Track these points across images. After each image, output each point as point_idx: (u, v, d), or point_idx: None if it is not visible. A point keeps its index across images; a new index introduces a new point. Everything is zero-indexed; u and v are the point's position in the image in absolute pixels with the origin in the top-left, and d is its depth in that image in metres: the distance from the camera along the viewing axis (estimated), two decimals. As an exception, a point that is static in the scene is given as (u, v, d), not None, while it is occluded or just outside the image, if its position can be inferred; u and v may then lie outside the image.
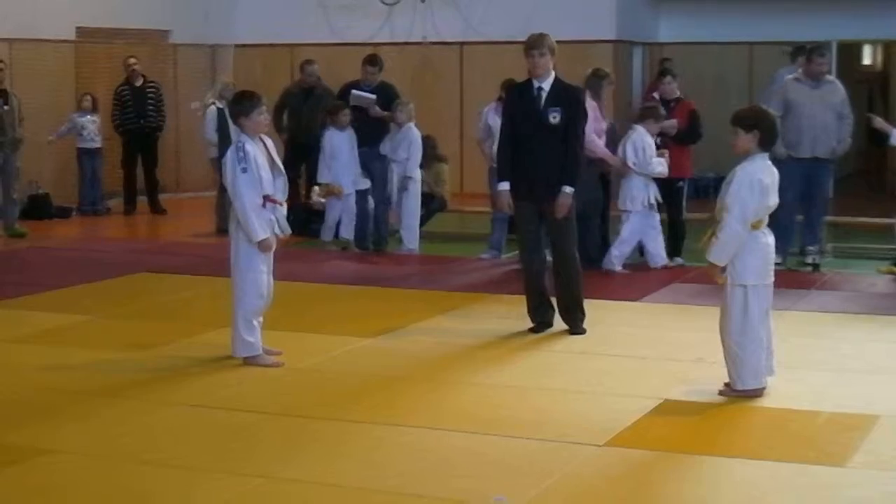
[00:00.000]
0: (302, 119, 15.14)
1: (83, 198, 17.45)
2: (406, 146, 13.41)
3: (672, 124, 12.44)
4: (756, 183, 7.29)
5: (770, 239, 7.47)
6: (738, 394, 7.40)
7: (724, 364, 7.50)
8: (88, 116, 17.29)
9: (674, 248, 12.60)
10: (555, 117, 9.09)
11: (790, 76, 12.60)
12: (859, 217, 14.43)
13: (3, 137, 15.01)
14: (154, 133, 17.66)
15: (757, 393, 7.40)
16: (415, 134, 13.50)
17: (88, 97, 17.40)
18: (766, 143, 7.41)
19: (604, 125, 12.13)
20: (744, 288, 7.36)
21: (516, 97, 9.44)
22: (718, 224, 7.36)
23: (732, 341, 7.40)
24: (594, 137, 11.85)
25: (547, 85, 9.14)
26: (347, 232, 13.65)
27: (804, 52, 13.45)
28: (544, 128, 9.09)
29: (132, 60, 17.57)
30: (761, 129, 7.38)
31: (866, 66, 22.01)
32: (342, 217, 13.67)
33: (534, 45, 9.12)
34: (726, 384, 7.51)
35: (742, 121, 7.44)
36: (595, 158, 11.77)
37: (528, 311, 9.41)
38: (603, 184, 12.50)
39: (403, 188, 13.48)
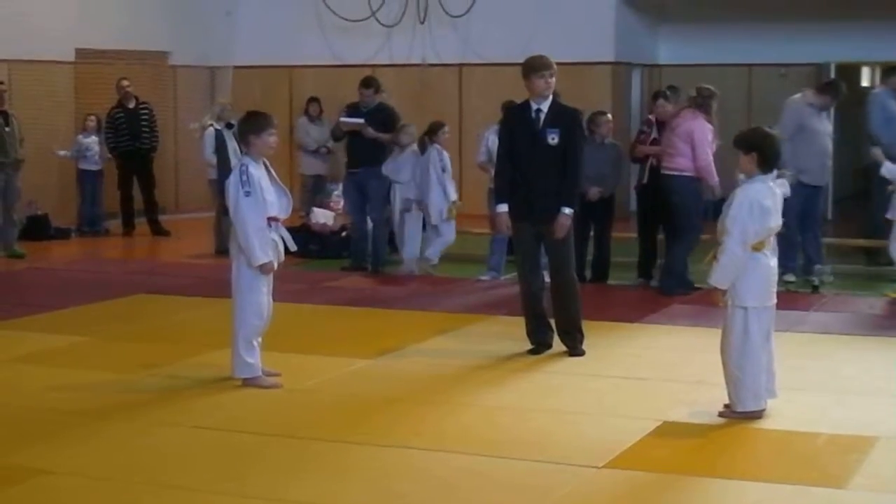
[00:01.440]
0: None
1: (83, 219, 17.44)
2: (409, 168, 13.43)
3: (657, 151, 12.43)
4: (756, 205, 7.29)
5: (773, 261, 7.46)
6: (738, 416, 7.39)
7: (725, 386, 7.50)
8: (93, 137, 17.29)
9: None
10: (553, 138, 9.10)
11: (797, 97, 12.54)
12: (859, 239, 14.41)
13: (4, 158, 15.02)
14: (148, 154, 17.64)
15: (756, 415, 7.39)
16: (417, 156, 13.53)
17: (93, 118, 17.40)
18: (766, 165, 7.40)
19: (715, 146, 12.12)
20: (744, 310, 7.36)
21: (514, 118, 9.45)
22: (719, 247, 7.36)
23: (732, 363, 7.39)
24: (710, 163, 11.87)
25: (545, 106, 9.15)
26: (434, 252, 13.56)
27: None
28: (543, 149, 9.10)
29: (125, 83, 17.55)
30: (761, 150, 7.38)
31: (865, 87, 22.03)
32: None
33: (545, 66, 9.11)
34: (726, 406, 7.50)
35: (742, 143, 7.46)
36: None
37: (528, 333, 9.40)
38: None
39: (406, 210, 13.48)
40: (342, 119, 13.71)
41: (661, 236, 12.70)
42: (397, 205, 13.51)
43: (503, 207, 9.29)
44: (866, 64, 21.10)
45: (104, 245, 16.72)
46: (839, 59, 19.17)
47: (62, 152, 17.30)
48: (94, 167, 17.34)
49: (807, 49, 19.06)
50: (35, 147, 16.53)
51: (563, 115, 9.21)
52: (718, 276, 7.37)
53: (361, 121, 13.48)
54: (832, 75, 18.86)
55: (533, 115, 9.16)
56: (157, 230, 17.50)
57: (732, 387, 7.42)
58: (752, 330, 7.35)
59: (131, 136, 17.36)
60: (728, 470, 6.53)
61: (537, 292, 9.38)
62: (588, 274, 12.60)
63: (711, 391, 7.87)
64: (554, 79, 9.13)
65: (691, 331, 10.12)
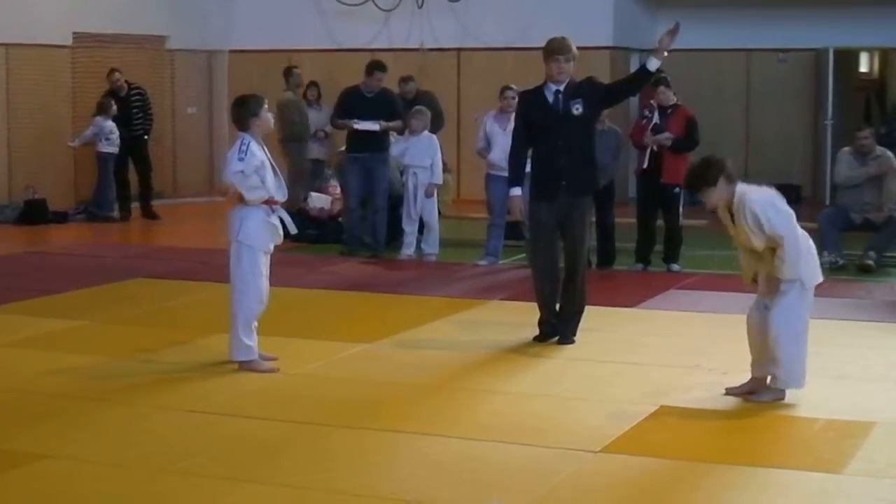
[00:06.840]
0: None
1: (100, 202, 17.32)
2: (432, 153, 13.46)
3: (666, 137, 12.42)
4: (770, 198, 7.31)
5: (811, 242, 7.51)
6: (776, 396, 7.39)
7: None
8: (111, 122, 17.17)
9: (670, 255, 12.64)
10: (577, 108, 9.03)
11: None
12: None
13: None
14: (142, 138, 17.57)
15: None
16: (436, 141, 13.56)
17: (112, 101, 17.28)
18: (733, 175, 7.35)
19: None
20: (802, 286, 7.38)
21: (532, 102, 9.29)
22: (760, 262, 7.36)
23: (790, 340, 7.35)
24: None
25: (562, 87, 9.09)
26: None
27: None
28: (568, 122, 9.02)
29: (116, 76, 17.39)
30: (722, 171, 7.30)
31: (863, 73, 22.03)
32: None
33: (560, 50, 9.05)
34: (747, 389, 7.48)
35: (702, 181, 7.36)
36: None
37: (540, 321, 9.23)
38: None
39: (430, 195, 13.50)
40: (357, 127, 13.48)
41: (659, 222, 12.72)
42: (419, 192, 13.48)
43: (517, 191, 9.25)
44: (865, 49, 21.09)
45: (102, 230, 16.69)
46: (838, 44, 19.15)
47: (76, 142, 17.26)
48: (115, 149, 17.22)
49: (805, 34, 19.05)
50: (33, 131, 16.50)
51: (580, 86, 9.18)
52: (791, 269, 7.31)
53: (377, 127, 13.38)
54: (830, 60, 18.88)
55: (552, 97, 9.09)
56: (148, 213, 17.44)
57: (788, 363, 7.35)
58: (806, 306, 7.40)
59: (122, 122, 17.25)
60: (724, 454, 6.53)
61: (552, 274, 9.21)
62: (594, 260, 12.60)
63: (709, 376, 7.91)
64: (570, 63, 9.05)
65: (688, 316, 10.13)
